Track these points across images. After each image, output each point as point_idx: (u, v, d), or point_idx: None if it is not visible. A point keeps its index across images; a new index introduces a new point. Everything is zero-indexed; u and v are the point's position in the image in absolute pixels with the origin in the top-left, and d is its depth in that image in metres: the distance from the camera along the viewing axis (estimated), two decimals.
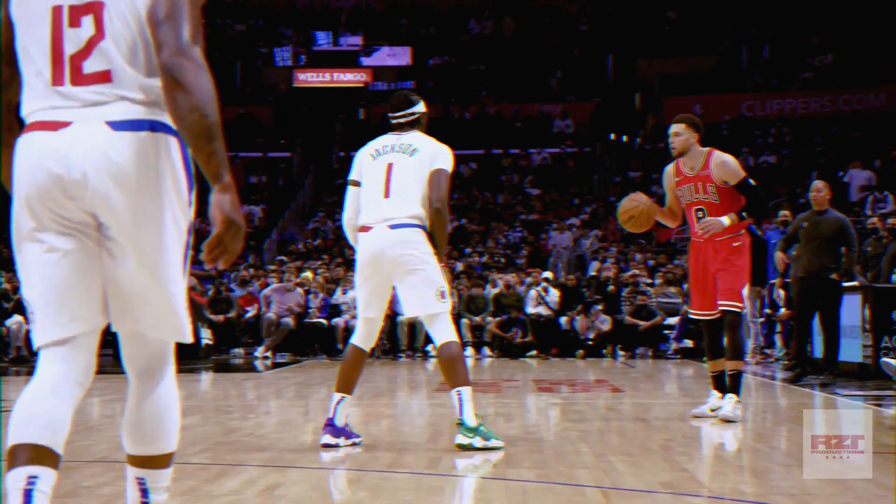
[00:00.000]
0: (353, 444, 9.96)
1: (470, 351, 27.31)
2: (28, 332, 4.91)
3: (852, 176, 34.94)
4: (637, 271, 28.81)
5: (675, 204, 11.74)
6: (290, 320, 27.48)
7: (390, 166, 9.82)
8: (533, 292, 27.84)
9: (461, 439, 9.42)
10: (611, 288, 27.96)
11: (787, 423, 12.98)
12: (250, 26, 47.01)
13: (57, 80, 4.41)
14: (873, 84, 44.98)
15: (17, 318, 25.78)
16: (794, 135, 45.03)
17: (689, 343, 25.83)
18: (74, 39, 4.39)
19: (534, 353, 26.96)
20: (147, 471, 4.68)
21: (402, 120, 10.19)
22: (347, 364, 10.03)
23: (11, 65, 4.57)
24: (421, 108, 10.31)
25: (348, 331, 27.98)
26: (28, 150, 4.41)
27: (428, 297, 9.66)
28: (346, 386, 9.99)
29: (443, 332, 9.72)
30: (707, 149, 11.51)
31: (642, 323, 26.86)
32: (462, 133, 43.22)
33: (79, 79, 4.39)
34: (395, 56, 46.94)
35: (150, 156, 4.40)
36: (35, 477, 4.37)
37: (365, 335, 9.96)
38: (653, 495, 7.69)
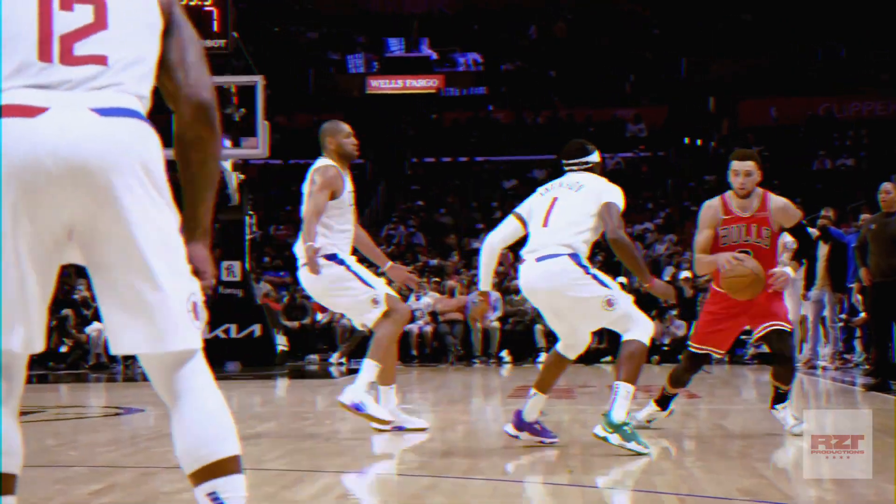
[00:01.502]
0: (542, 443, 10.16)
1: (544, 356, 26.95)
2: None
3: None
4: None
5: (709, 244, 10.51)
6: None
7: (554, 200, 9.92)
8: None
9: (599, 430, 9.47)
10: (687, 293, 27.85)
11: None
12: (322, 34, 47.25)
13: (43, 54, 4.11)
14: None
15: (96, 325, 25.97)
16: (872, 137, 44.60)
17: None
18: (71, 21, 4.14)
19: (608, 358, 26.60)
20: (215, 481, 4.27)
21: (574, 168, 10.26)
22: (548, 366, 10.43)
23: None
24: (595, 157, 10.35)
25: (423, 336, 28.16)
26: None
27: (594, 309, 9.76)
28: (542, 385, 10.30)
29: (630, 330, 9.86)
30: (761, 189, 10.55)
31: None
32: (534, 138, 43.28)
33: (69, 59, 4.12)
34: (467, 61, 47.09)
35: (143, 141, 4.13)
36: None
37: (565, 347, 10.25)
38: (731, 502, 7.62)
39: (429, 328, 28.18)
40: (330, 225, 11.22)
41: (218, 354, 23.70)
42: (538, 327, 27.50)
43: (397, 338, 12.01)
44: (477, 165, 44.22)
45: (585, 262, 9.44)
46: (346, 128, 11.00)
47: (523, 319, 28.33)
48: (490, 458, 10.14)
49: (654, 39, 51.13)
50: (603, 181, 9.95)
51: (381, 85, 46.45)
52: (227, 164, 25.06)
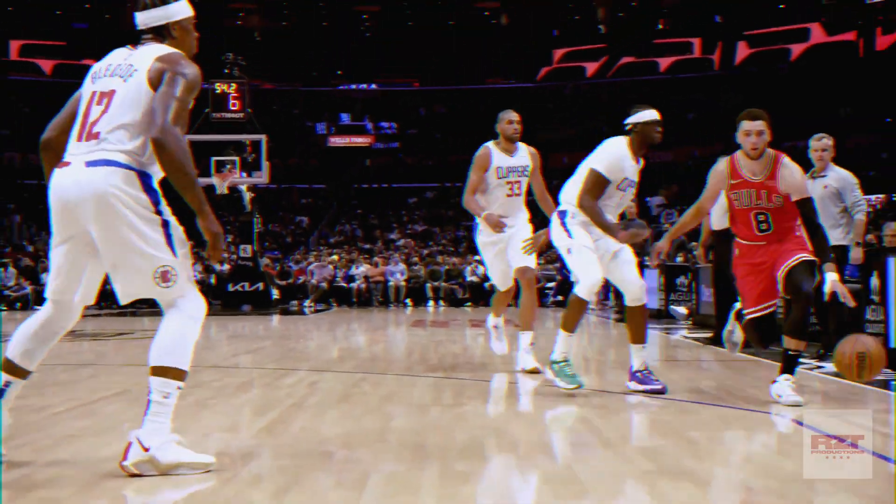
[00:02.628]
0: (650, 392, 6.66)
1: (432, 304, 27.08)
2: None
3: None
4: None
5: (711, 202, 6.79)
6: (324, 284, 28.05)
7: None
8: (469, 267, 28.04)
9: (546, 370, 7.10)
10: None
11: None
12: (302, 111, 46.54)
13: (78, 137, 4.14)
14: None
15: None
16: None
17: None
18: (95, 112, 4.13)
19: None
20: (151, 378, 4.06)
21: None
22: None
23: (70, 124, 4.28)
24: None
25: (360, 291, 28.47)
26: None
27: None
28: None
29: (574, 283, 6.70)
30: (774, 153, 6.50)
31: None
32: (427, 173, 42.79)
33: (87, 137, 4.12)
34: (389, 126, 46.66)
35: (113, 177, 4.00)
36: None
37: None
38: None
39: (363, 286, 28.58)
40: (488, 197, 8.11)
41: (237, 301, 24.80)
42: (428, 285, 27.88)
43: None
44: (392, 190, 43.18)
45: (567, 220, 6.65)
46: (511, 115, 8.13)
47: (419, 279, 28.73)
48: (400, 362, 9.98)
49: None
50: (600, 151, 6.77)
51: (336, 141, 45.75)
52: (244, 187, 25.73)
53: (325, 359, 10.22)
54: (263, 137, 24.93)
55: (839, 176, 8.88)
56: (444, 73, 46.39)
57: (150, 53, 4.17)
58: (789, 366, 6.10)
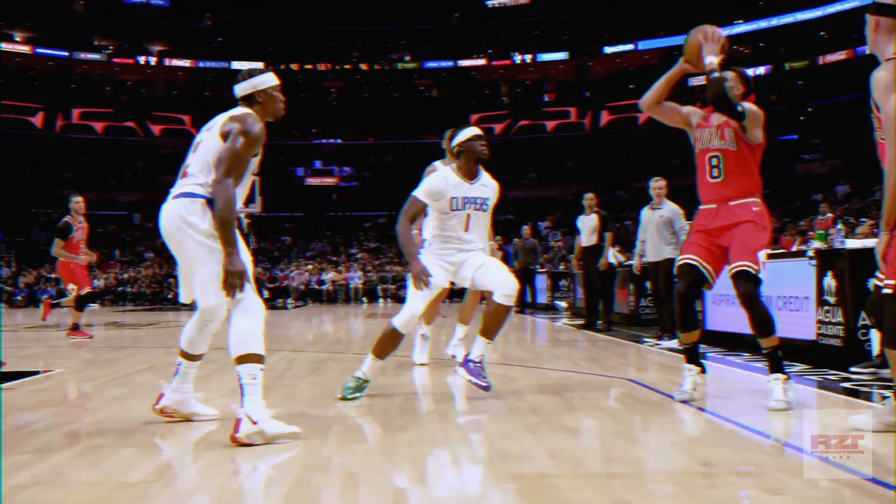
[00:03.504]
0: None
1: (381, 302, 27.01)
2: None
3: None
4: None
5: (674, 113, 4.96)
6: (302, 287, 27.85)
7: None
8: None
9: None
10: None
11: None
12: (286, 157, 46.29)
13: (180, 176, 3.94)
14: None
15: None
16: None
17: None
18: (189, 157, 3.94)
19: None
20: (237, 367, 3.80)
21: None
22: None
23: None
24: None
25: (328, 292, 28.26)
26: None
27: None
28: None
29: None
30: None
31: None
32: (376, 204, 43.23)
33: (181, 175, 3.93)
34: (350, 171, 46.69)
35: (188, 207, 3.78)
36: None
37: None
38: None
39: (331, 288, 28.38)
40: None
41: None
42: (379, 287, 27.77)
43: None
44: (353, 217, 42.33)
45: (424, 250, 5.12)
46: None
47: (372, 283, 28.58)
48: (357, 343, 10.01)
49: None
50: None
51: (311, 181, 45.49)
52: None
53: (301, 341, 10.04)
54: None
55: (671, 208, 8.99)
56: (390, 131, 46.30)
57: (229, 113, 3.97)
58: (775, 364, 4.45)
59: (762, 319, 4.44)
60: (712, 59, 4.55)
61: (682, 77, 4.83)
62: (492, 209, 5.19)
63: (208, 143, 3.91)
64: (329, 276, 28.67)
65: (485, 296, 6.30)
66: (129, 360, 7.59)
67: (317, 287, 28.20)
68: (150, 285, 29.39)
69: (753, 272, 4.47)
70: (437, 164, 6.51)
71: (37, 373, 6.56)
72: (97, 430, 4.02)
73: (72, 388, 5.79)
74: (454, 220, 5.04)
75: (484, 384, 4.94)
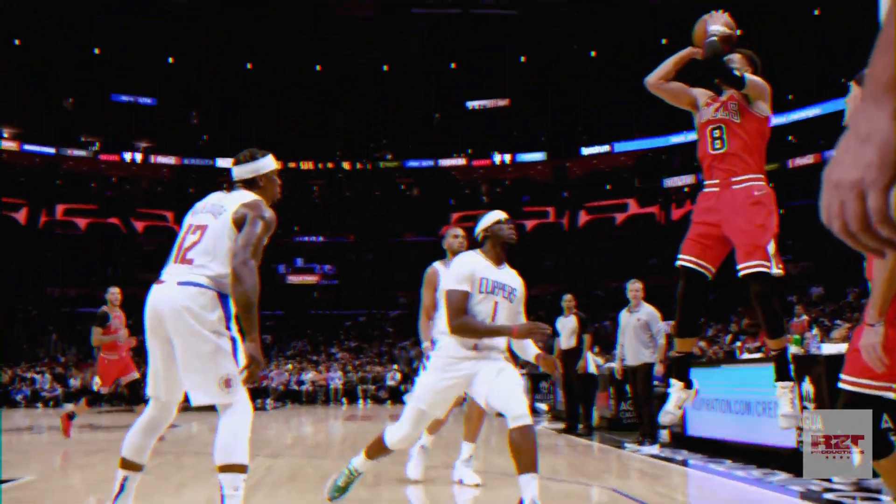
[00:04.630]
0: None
1: (362, 403, 26.59)
2: None
3: None
4: None
5: (682, 93, 4.58)
6: (281, 387, 27.51)
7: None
8: None
9: None
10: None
11: None
12: (268, 256, 46.29)
13: (175, 260, 3.80)
14: None
15: None
16: None
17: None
18: (189, 240, 3.80)
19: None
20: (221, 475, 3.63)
21: None
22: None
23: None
24: None
25: (308, 393, 27.88)
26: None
27: None
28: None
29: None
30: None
31: None
32: (356, 301, 43.46)
33: (181, 261, 3.78)
34: (331, 269, 46.74)
35: (197, 298, 3.66)
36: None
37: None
38: None
39: (310, 388, 28.02)
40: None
41: None
42: (358, 387, 27.47)
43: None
44: (333, 315, 41.98)
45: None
46: (456, 230, 6.29)
47: (352, 383, 28.31)
48: (336, 448, 10.13)
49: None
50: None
51: (292, 279, 45.40)
52: None
53: (279, 444, 9.86)
54: None
55: (648, 311, 9.06)
56: (371, 230, 46.63)
57: (238, 199, 3.85)
58: (782, 370, 4.19)
59: (773, 320, 4.15)
60: (716, 29, 4.36)
61: (689, 60, 4.53)
62: (523, 305, 4.57)
63: (218, 231, 3.78)
64: (309, 375, 28.36)
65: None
66: (103, 467, 7.41)
67: (296, 388, 27.87)
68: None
69: (766, 270, 4.13)
70: (437, 264, 6.13)
71: (7, 481, 6.38)
72: None
73: (43, 499, 5.63)
74: (480, 307, 4.40)
75: None
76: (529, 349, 4.64)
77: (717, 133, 4.37)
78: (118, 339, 10.16)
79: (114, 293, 10.40)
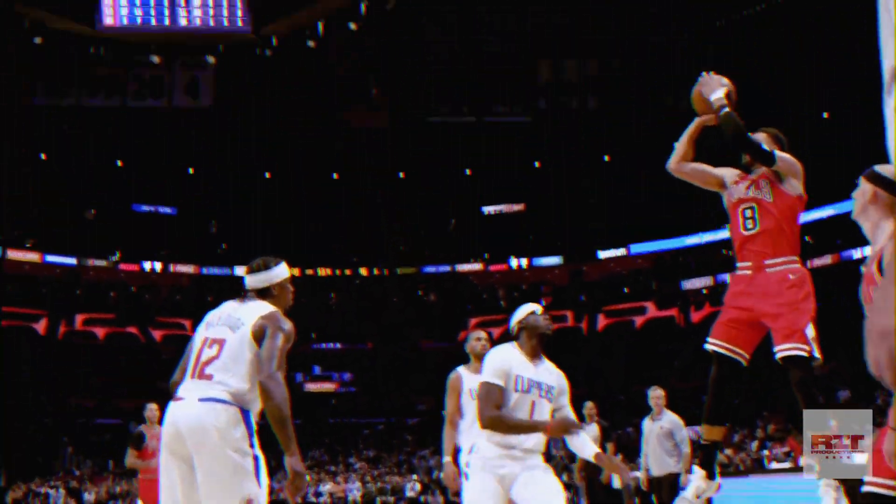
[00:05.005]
0: None
1: None
2: None
3: None
4: None
5: (707, 174, 4.48)
6: (298, 499, 26.95)
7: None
8: None
9: None
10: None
11: None
12: (288, 366, 45.92)
13: (192, 375, 3.74)
14: None
15: None
16: None
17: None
18: (206, 354, 3.74)
19: None
20: None
21: None
22: None
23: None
24: None
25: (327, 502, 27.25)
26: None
27: None
28: None
29: None
30: None
31: None
32: (362, 408, 43.19)
33: (199, 376, 3.71)
34: (341, 378, 46.51)
35: (220, 415, 3.59)
36: None
37: None
38: None
39: (328, 501, 27.40)
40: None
41: None
42: (378, 499, 26.80)
43: None
44: (351, 423, 41.77)
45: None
46: (479, 333, 6.30)
47: (371, 494, 27.61)
48: None
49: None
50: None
51: (310, 387, 44.79)
52: None
53: None
54: None
55: (670, 419, 8.88)
56: (389, 337, 46.48)
57: (255, 311, 3.81)
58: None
59: (814, 400, 3.95)
60: (718, 95, 4.15)
61: (701, 130, 4.39)
62: (568, 398, 4.35)
63: (237, 345, 3.74)
64: (327, 487, 27.79)
65: None
66: None
67: (314, 500, 27.26)
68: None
69: (806, 353, 3.98)
70: (461, 369, 5.96)
71: None
72: None
73: None
74: (517, 408, 4.17)
75: None
76: (587, 447, 4.52)
77: (748, 213, 4.24)
78: (150, 466, 9.61)
79: (152, 409, 9.94)
